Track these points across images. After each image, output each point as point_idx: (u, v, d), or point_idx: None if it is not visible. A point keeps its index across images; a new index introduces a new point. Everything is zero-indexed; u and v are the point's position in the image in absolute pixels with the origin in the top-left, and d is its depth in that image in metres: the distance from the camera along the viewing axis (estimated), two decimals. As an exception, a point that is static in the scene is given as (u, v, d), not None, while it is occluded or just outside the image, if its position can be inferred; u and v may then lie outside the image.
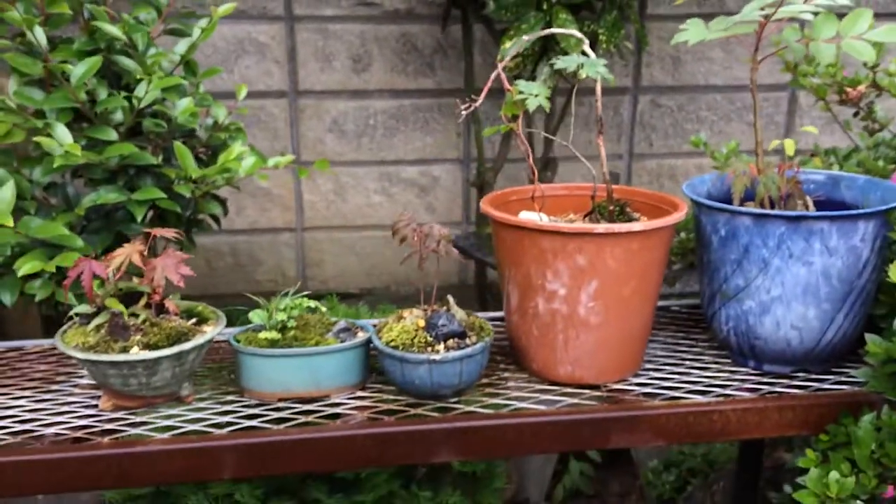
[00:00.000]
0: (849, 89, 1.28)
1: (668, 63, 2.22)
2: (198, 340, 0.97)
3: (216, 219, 1.58)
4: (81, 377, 1.10)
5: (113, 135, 1.32)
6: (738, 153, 1.34)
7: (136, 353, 0.94)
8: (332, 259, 2.30)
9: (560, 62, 1.04)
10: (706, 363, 1.11)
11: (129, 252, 0.96)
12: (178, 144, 1.33)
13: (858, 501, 0.90)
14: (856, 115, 1.35)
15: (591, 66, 1.02)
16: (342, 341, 1.03)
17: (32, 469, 0.90)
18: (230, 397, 1.03)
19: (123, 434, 0.95)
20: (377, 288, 2.32)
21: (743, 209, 1.00)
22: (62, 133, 1.27)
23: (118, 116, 1.36)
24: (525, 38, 1.10)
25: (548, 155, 2.06)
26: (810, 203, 1.09)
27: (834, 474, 0.91)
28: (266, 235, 2.28)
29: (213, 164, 1.41)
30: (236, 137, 1.53)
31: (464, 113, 1.01)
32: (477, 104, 1.02)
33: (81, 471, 0.91)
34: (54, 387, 1.07)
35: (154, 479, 0.92)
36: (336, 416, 0.99)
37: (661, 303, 1.27)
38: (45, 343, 1.20)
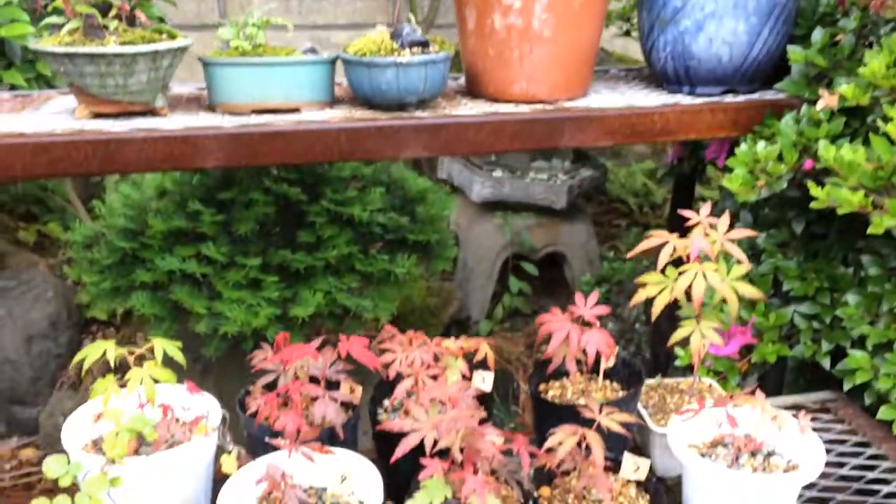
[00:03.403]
0: None
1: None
2: (172, 44, 1.01)
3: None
4: (49, 106, 1.11)
5: None
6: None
7: (114, 47, 0.96)
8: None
9: None
10: (646, 94, 1.21)
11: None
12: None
13: (782, 165, 1.01)
14: None
15: None
16: (310, 59, 1.08)
17: (20, 151, 0.93)
18: (203, 113, 1.07)
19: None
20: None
21: (680, -74, 1.10)
22: None
23: None
24: None
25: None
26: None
27: (761, 143, 1.02)
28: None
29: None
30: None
31: None
32: None
33: (68, 154, 0.94)
34: (25, 112, 1.08)
35: (139, 165, 0.96)
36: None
37: (598, 67, 1.36)
38: (3, 94, 1.21)
